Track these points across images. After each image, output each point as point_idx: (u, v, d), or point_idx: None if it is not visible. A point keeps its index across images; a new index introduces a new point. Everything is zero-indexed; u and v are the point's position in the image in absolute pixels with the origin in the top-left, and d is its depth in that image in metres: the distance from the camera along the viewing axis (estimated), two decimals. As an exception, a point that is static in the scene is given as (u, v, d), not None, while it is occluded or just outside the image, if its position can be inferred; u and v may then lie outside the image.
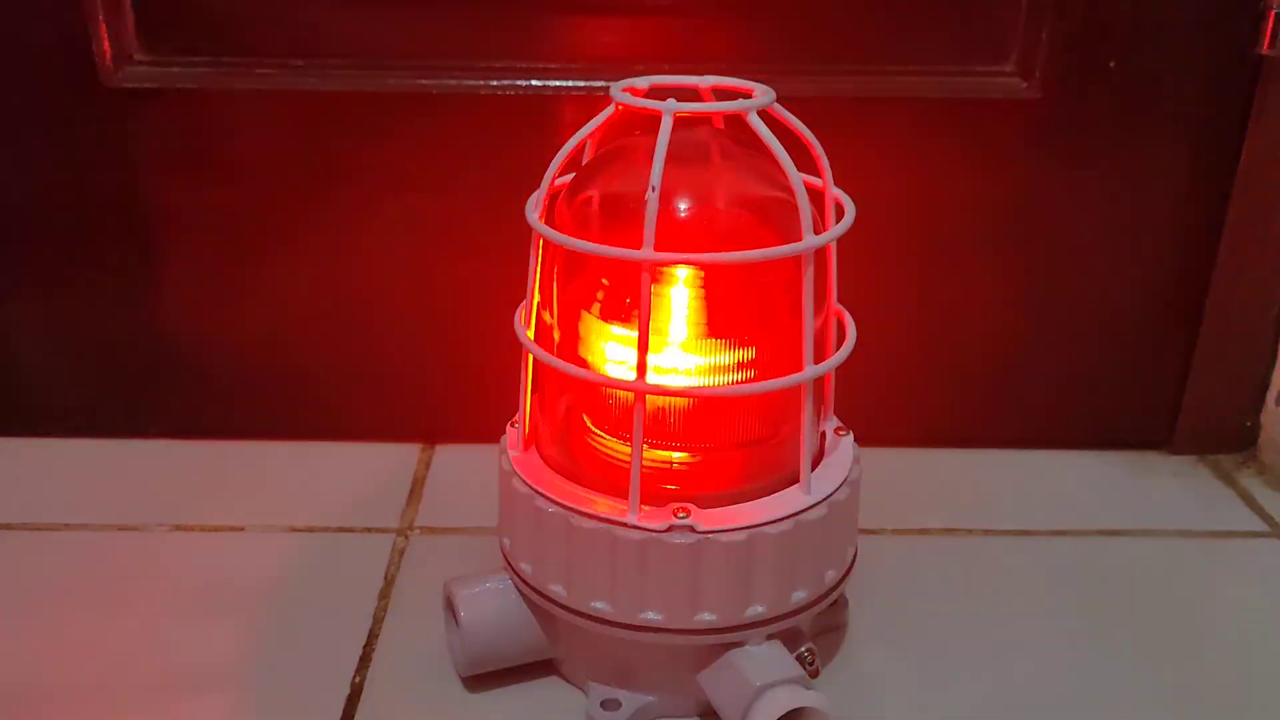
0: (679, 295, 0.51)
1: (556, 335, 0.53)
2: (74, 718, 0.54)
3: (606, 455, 0.52)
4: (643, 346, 0.47)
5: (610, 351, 0.51)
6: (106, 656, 0.57)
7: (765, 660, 0.50)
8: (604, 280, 0.51)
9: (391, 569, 0.64)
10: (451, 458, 0.76)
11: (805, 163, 0.50)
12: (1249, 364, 0.75)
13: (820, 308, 0.53)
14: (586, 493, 0.51)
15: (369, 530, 0.68)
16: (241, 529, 0.68)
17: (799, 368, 0.50)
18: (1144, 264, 0.73)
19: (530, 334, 0.53)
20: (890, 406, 0.75)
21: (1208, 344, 0.74)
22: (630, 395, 0.49)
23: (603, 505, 0.50)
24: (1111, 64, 0.68)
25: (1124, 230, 0.72)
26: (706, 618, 0.50)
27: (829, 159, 0.52)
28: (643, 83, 0.53)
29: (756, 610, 0.50)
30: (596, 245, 0.49)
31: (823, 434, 0.56)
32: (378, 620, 0.60)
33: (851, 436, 0.56)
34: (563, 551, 0.51)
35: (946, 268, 0.73)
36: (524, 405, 0.55)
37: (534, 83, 0.69)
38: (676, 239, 0.48)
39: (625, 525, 0.49)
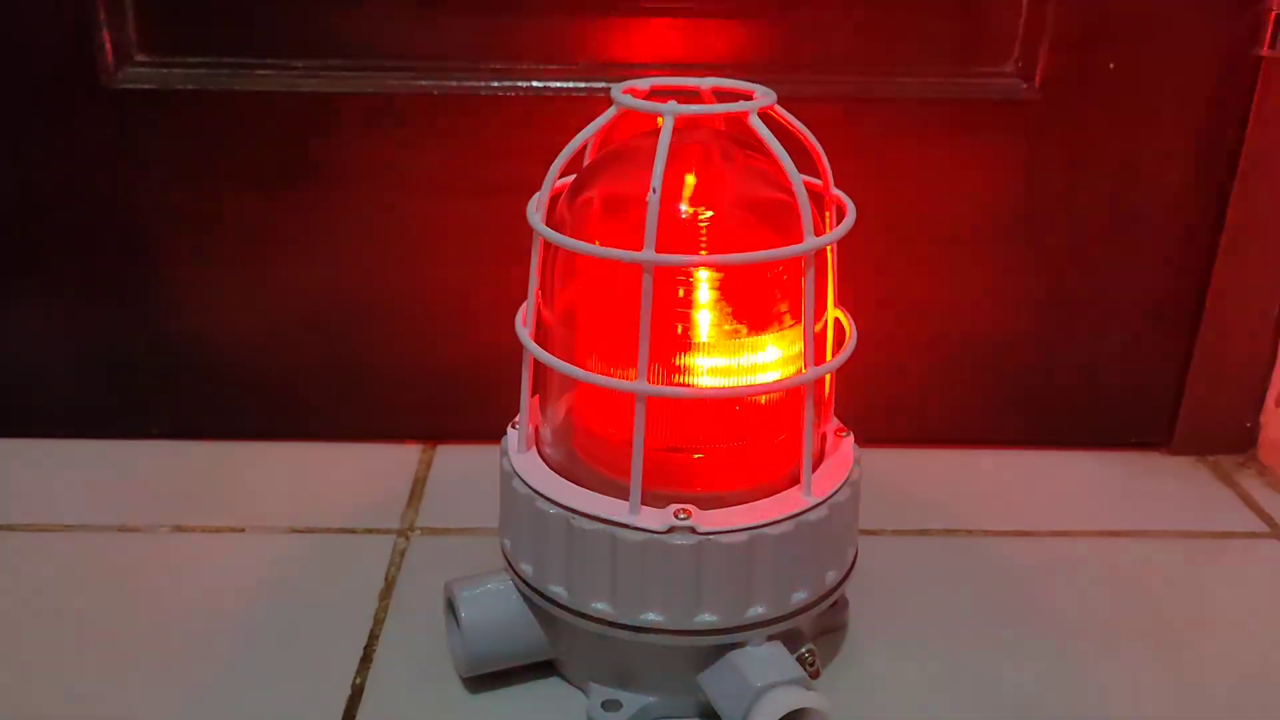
0: (680, 297, 0.51)
1: (557, 336, 0.53)
2: (74, 718, 0.54)
3: (607, 456, 0.52)
4: (644, 348, 0.47)
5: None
6: (107, 657, 0.57)
7: (766, 661, 0.50)
8: (605, 281, 0.51)
9: (392, 570, 0.64)
10: (452, 458, 0.76)
11: (806, 164, 0.50)
12: (1249, 365, 0.75)
13: (821, 309, 0.53)
14: (587, 494, 0.51)
15: (370, 531, 0.68)
16: (242, 530, 0.68)
17: (799, 369, 0.50)
18: (1144, 264, 0.73)
19: (531, 335, 0.53)
20: (890, 406, 0.76)
21: (1208, 344, 0.74)
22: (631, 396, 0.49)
23: (603, 506, 0.50)
24: (1111, 65, 0.68)
25: (1124, 230, 0.72)
26: (707, 619, 0.50)
27: (829, 160, 0.52)
28: (644, 84, 0.53)
29: (757, 611, 0.50)
30: (597, 247, 0.49)
31: (823, 435, 0.56)
32: (378, 621, 0.60)
33: (852, 437, 0.56)
34: (563, 552, 0.51)
35: (946, 268, 0.73)
36: (524, 406, 0.55)
37: (535, 84, 0.69)
38: (677, 240, 0.48)
39: (626, 526, 0.49)
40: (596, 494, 0.51)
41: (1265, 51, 0.67)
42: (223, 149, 0.70)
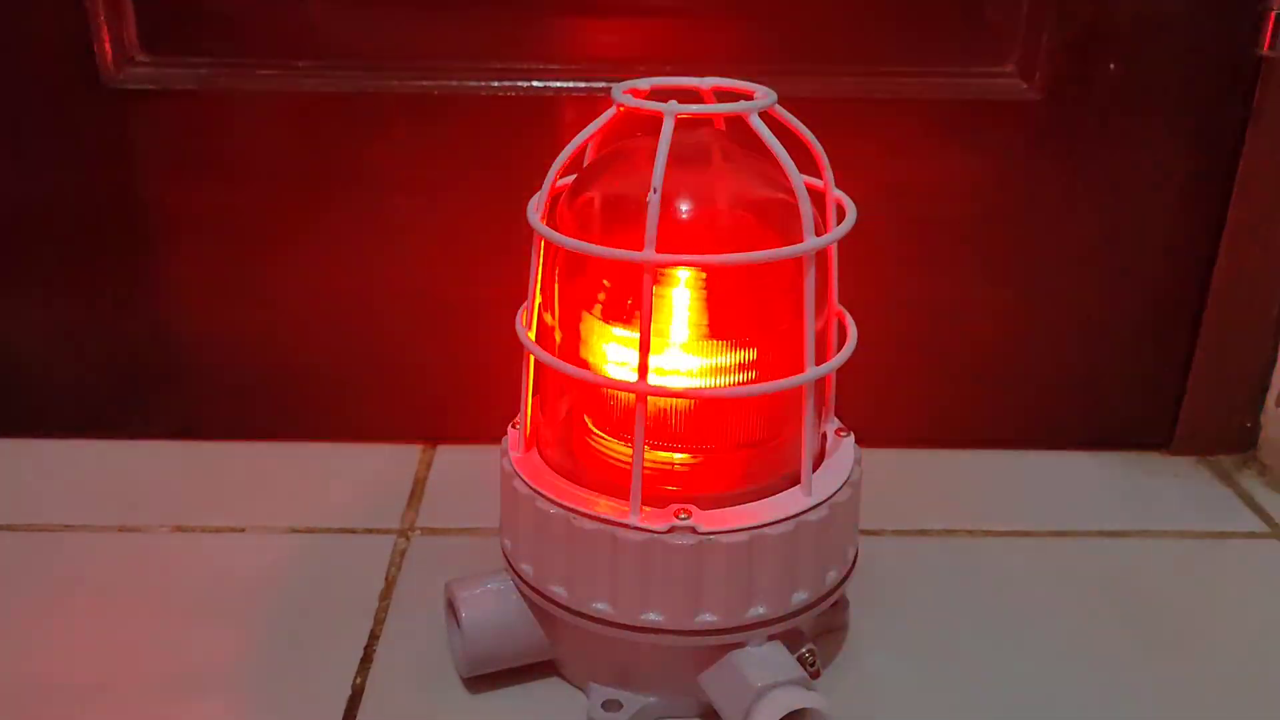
0: (680, 297, 0.51)
1: (558, 336, 0.53)
2: (75, 718, 0.54)
3: (608, 456, 0.52)
4: (644, 348, 0.47)
5: (611, 353, 0.51)
6: (107, 657, 0.57)
7: (766, 661, 0.50)
8: (605, 281, 0.51)
9: (392, 570, 0.64)
10: (452, 458, 0.76)
11: (806, 164, 0.50)
12: (1249, 365, 0.75)
13: (821, 309, 0.53)
14: (588, 494, 0.51)
15: (370, 531, 0.68)
16: (242, 529, 0.68)
17: (800, 369, 0.50)
18: (1144, 264, 0.73)
19: (531, 335, 0.53)
20: (890, 407, 0.75)
21: (1208, 344, 0.74)
22: (631, 396, 0.49)
23: (604, 506, 0.50)
24: (1112, 65, 0.68)
25: (1124, 230, 0.72)
26: (707, 619, 0.50)
27: (830, 160, 0.52)
28: (644, 84, 0.52)
29: (757, 611, 0.50)
30: (598, 247, 0.49)
31: (824, 435, 0.56)
32: (379, 621, 0.60)
33: (852, 437, 0.56)
34: (564, 553, 0.51)
35: (947, 268, 0.73)
36: (525, 406, 0.55)
37: (535, 84, 0.69)
38: (678, 240, 0.48)
39: (626, 526, 0.49)
40: (597, 494, 0.51)
41: (1265, 51, 0.67)
42: (223, 149, 0.70)
